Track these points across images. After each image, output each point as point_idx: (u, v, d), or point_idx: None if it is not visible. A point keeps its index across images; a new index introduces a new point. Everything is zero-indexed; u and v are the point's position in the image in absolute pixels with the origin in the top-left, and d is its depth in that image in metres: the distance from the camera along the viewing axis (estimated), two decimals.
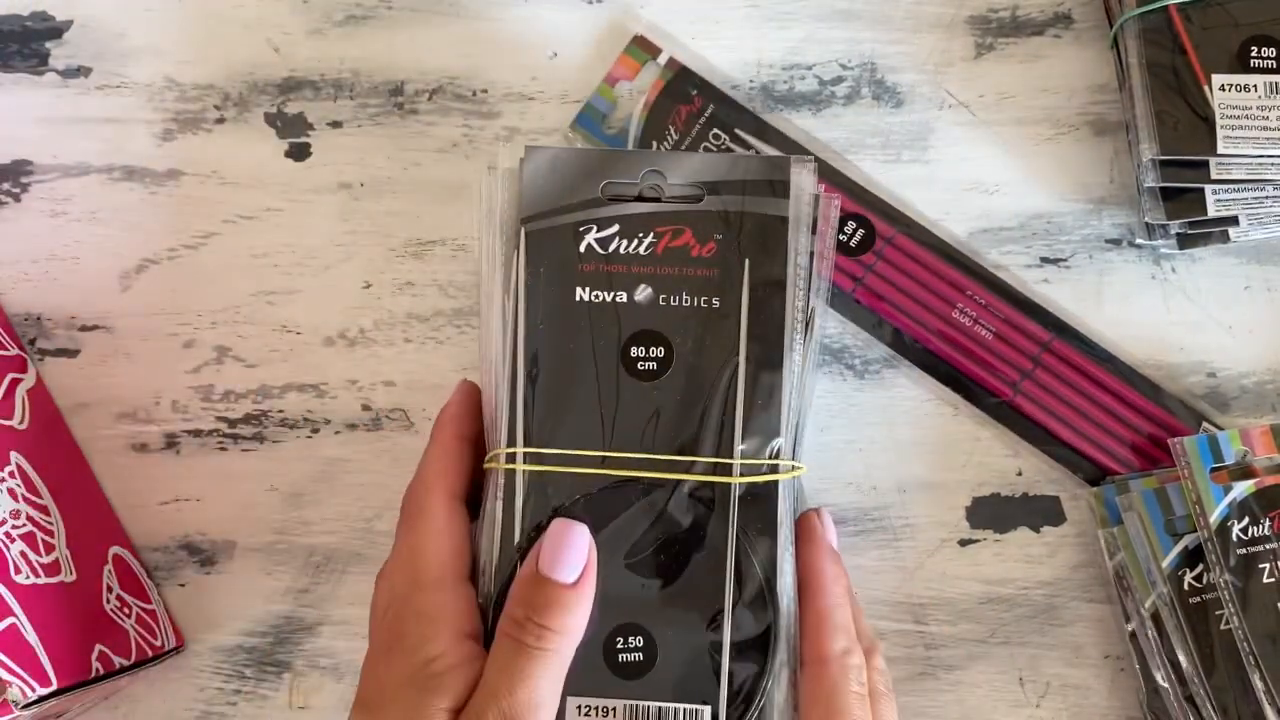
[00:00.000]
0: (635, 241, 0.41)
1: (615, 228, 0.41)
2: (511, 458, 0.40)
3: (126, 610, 0.47)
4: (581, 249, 0.41)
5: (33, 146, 0.52)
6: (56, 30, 0.53)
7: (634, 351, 0.41)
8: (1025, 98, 0.52)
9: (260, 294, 0.51)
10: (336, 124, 0.52)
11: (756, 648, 0.40)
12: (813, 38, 0.52)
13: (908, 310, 0.49)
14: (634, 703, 0.39)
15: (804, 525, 0.42)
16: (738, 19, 0.53)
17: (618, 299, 0.41)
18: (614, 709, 0.39)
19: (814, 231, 0.42)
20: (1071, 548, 0.49)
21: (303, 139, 0.52)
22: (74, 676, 0.43)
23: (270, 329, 0.51)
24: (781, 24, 0.53)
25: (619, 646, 0.40)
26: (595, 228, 0.41)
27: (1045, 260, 0.51)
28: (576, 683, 0.39)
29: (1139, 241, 0.50)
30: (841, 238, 0.49)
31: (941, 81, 0.52)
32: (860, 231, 0.50)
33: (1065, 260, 0.51)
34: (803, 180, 0.42)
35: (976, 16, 0.52)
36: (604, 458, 0.40)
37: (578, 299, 0.41)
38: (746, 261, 0.41)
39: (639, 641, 0.40)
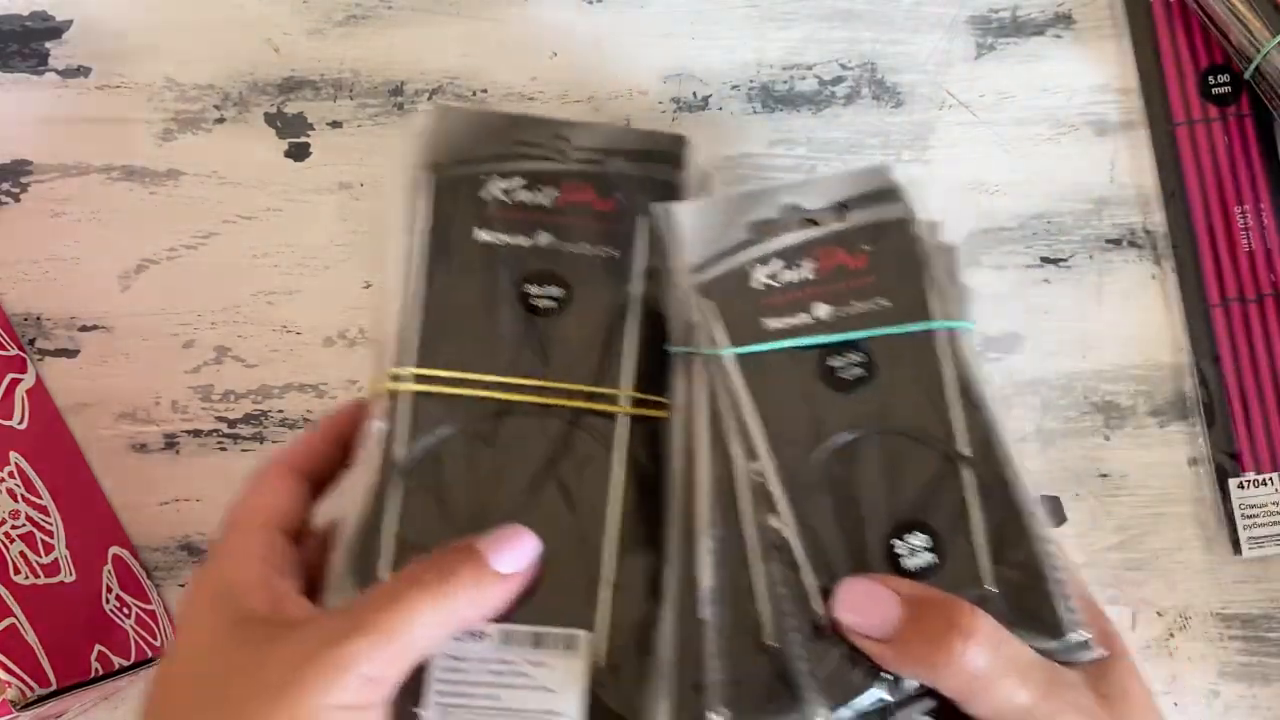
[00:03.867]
0: (538, 193, 0.43)
1: (520, 180, 0.44)
2: (398, 379, 0.41)
3: (126, 610, 0.47)
4: (485, 196, 0.43)
5: (32, 146, 0.52)
6: (56, 30, 0.53)
7: (531, 289, 0.42)
8: (1025, 98, 0.52)
9: (260, 294, 0.51)
10: (336, 124, 0.52)
11: (644, 579, 0.40)
12: (813, 38, 0.52)
13: None
14: (508, 627, 0.39)
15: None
16: (738, 19, 0.53)
17: (518, 242, 0.43)
18: (488, 633, 0.39)
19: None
20: (1073, 548, 0.49)
21: (303, 139, 0.52)
22: (73, 677, 0.43)
23: (270, 329, 0.51)
24: (781, 24, 0.53)
25: None
26: (500, 179, 0.44)
27: (1045, 260, 0.51)
28: None
29: None
30: None
31: (942, 81, 0.52)
32: None
33: (1065, 260, 0.51)
34: (696, 154, 0.45)
35: (977, 16, 0.52)
36: (496, 383, 0.41)
37: (479, 240, 0.43)
38: (642, 218, 0.44)
39: None
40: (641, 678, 0.38)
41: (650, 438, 0.41)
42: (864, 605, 0.36)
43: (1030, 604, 0.37)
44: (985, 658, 0.34)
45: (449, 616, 0.35)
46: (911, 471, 0.39)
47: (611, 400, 0.41)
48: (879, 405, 0.40)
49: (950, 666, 0.34)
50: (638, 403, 0.41)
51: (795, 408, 0.40)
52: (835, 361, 0.41)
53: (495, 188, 0.43)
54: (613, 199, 0.44)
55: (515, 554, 0.37)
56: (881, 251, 0.42)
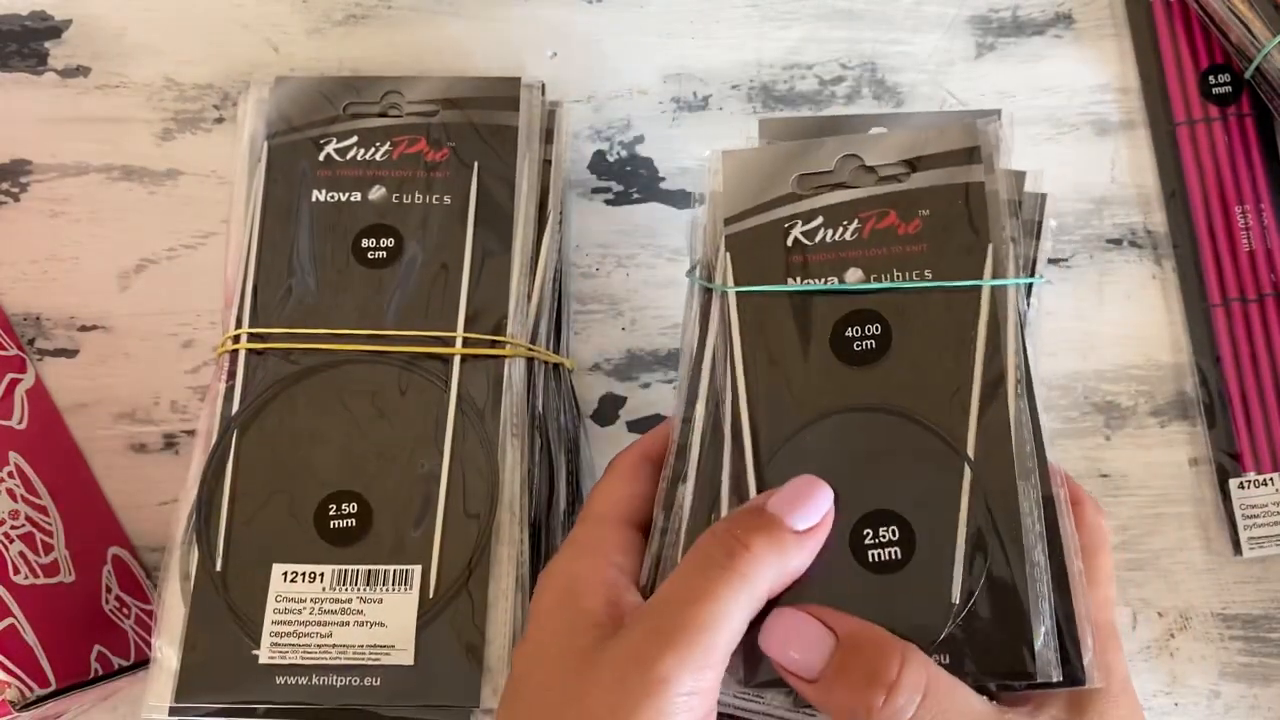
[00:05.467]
0: (372, 150, 0.45)
1: (354, 139, 0.45)
2: (237, 339, 0.43)
3: (125, 611, 0.47)
4: (321, 158, 0.45)
5: (32, 146, 0.52)
6: (55, 30, 0.53)
7: (365, 243, 0.44)
8: (1026, 98, 0.52)
9: None
10: None
11: (475, 516, 0.41)
12: (813, 38, 0.52)
13: None
14: (342, 567, 0.40)
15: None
16: (738, 19, 0.53)
17: (351, 198, 0.45)
18: (321, 574, 0.40)
19: (548, 141, 0.47)
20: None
21: None
22: (72, 677, 0.42)
23: None
24: (781, 24, 0.53)
25: (331, 514, 0.41)
26: (335, 140, 0.45)
27: (1046, 260, 0.51)
28: (283, 550, 0.40)
29: None
30: None
31: (942, 81, 0.52)
32: None
33: (1065, 260, 0.51)
34: (533, 96, 0.46)
35: (977, 16, 0.52)
36: (330, 335, 0.43)
37: (314, 200, 0.45)
38: (476, 164, 0.45)
39: (352, 509, 0.41)
40: (472, 607, 0.40)
41: (484, 375, 0.42)
42: (793, 640, 0.33)
43: (1002, 630, 0.34)
44: (911, 710, 0.31)
45: (752, 598, 0.33)
46: (903, 459, 0.36)
47: (446, 343, 0.43)
48: (888, 381, 0.37)
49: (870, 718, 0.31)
50: (470, 343, 0.43)
51: (793, 374, 0.38)
52: (851, 331, 0.38)
53: (330, 149, 0.45)
54: (446, 148, 0.45)
55: (810, 505, 0.34)
56: (942, 218, 0.38)
